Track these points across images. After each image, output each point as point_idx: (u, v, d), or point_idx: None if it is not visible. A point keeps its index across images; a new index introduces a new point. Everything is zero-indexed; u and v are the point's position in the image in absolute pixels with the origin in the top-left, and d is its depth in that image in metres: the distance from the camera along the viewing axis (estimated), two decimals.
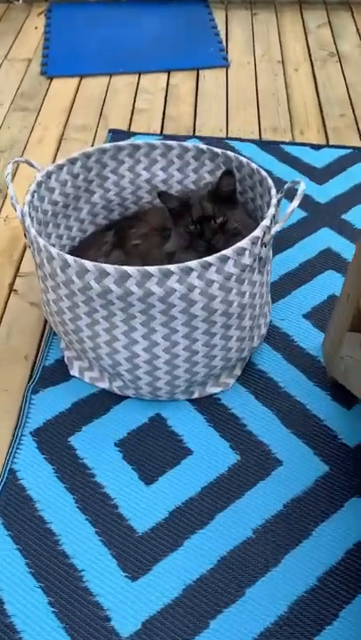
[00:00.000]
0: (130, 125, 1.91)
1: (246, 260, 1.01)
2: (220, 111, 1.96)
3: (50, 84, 2.09)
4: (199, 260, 0.97)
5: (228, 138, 1.83)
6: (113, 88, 2.07)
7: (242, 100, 2.00)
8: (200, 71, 2.14)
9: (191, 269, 0.97)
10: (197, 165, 1.31)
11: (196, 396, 1.18)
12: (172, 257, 1.22)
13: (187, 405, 1.18)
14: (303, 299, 1.37)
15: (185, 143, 1.29)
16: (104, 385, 1.19)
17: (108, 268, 0.96)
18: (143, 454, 1.10)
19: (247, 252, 1.01)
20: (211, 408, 1.18)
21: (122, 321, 1.03)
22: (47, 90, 2.06)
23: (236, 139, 1.82)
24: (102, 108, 1.99)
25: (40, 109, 1.98)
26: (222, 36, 2.33)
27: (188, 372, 1.11)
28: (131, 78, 2.12)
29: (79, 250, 1.30)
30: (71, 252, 1.26)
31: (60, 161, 1.25)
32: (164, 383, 1.12)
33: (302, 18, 2.42)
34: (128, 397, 1.20)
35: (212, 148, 1.27)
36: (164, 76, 2.12)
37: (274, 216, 1.06)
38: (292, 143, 1.81)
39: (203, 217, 1.16)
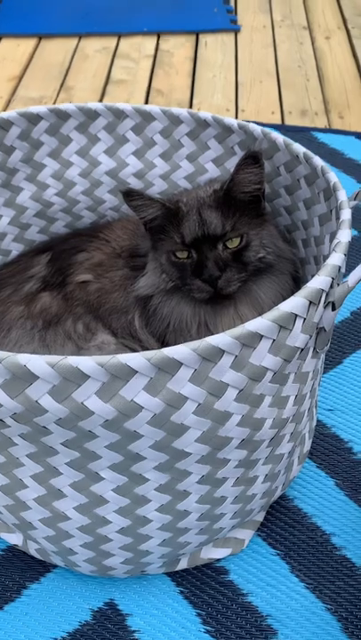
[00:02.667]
0: (101, 100, 1.37)
1: (297, 337, 0.47)
2: (227, 85, 1.42)
3: None
4: (194, 345, 0.43)
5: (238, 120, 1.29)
6: (81, 53, 1.53)
7: (257, 73, 1.46)
8: (200, 35, 1.61)
9: (177, 364, 0.43)
10: (196, 149, 0.76)
11: (183, 566, 0.64)
12: (147, 307, 0.68)
13: (161, 581, 0.64)
14: None
15: (174, 109, 0.74)
16: (14, 540, 0.64)
17: None
18: None
19: (300, 324, 0.47)
20: (198, 576, 0.64)
21: (29, 456, 0.49)
22: None
23: (249, 122, 1.28)
24: (65, 78, 1.45)
25: None
26: None
27: (166, 545, 0.57)
28: (106, 41, 1.58)
29: None
30: None
31: None
32: (119, 562, 0.58)
33: None
34: (58, 567, 0.66)
35: (222, 118, 0.72)
36: (151, 40, 1.58)
37: (348, 245, 0.52)
38: (329, 130, 1.28)
39: (203, 237, 0.63)
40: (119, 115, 0.75)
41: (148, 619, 0.62)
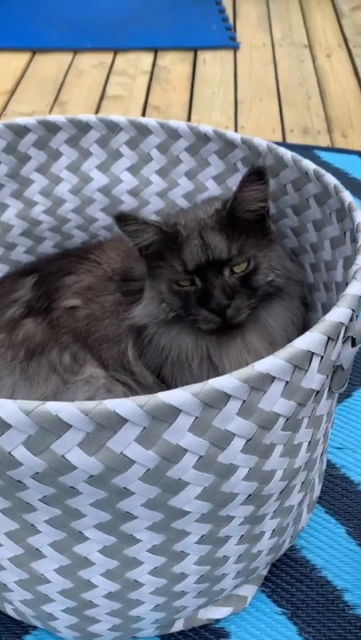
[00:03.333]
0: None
1: (313, 378, 0.41)
2: (225, 102, 1.38)
3: None
4: (195, 389, 0.36)
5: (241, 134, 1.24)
6: (76, 68, 1.49)
7: (257, 90, 1.42)
8: (198, 52, 1.57)
9: (175, 411, 0.36)
10: (195, 165, 0.71)
11: (178, 628, 0.57)
12: (142, 336, 0.62)
13: None
14: None
15: (172, 122, 0.69)
16: None
17: None
18: None
19: (317, 363, 0.41)
20: (195, 638, 0.57)
21: (3, 512, 0.42)
22: None
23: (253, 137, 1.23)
24: (59, 93, 1.40)
25: None
26: (229, 14, 1.77)
27: (160, 610, 0.50)
28: (102, 57, 1.53)
29: None
30: None
31: None
32: (106, 629, 0.51)
33: None
34: (38, 628, 0.58)
35: (224, 132, 0.67)
36: (148, 56, 1.54)
37: None
38: (332, 149, 1.23)
39: (207, 263, 0.57)
40: (113, 128, 0.70)
41: None
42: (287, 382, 0.39)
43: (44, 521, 0.42)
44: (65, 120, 0.69)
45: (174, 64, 1.52)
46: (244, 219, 0.58)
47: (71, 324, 0.64)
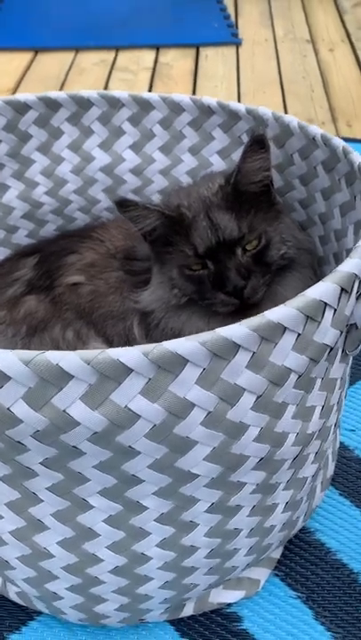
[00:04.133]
0: None
1: (326, 332, 0.39)
2: (229, 96, 1.37)
3: None
4: (203, 338, 0.34)
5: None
6: (78, 66, 1.49)
7: (260, 83, 1.42)
8: (201, 48, 1.57)
9: (182, 361, 0.34)
10: (199, 140, 0.69)
11: (188, 612, 0.55)
12: (148, 319, 0.60)
13: (163, 631, 0.55)
14: None
15: (175, 96, 0.68)
16: None
17: None
18: None
19: (330, 315, 0.39)
20: (206, 624, 0.54)
21: (2, 479, 0.40)
22: None
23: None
24: (60, 90, 1.39)
25: None
26: (230, 12, 1.77)
27: (169, 588, 0.47)
28: (104, 55, 1.53)
29: None
30: None
31: None
32: (113, 609, 0.48)
33: None
34: (43, 614, 0.56)
35: (228, 103, 0.66)
36: (150, 54, 1.54)
37: None
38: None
39: (218, 244, 0.55)
40: (114, 104, 0.69)
41: None
42: (299, 334, 0.37)
43: (46, 488, 0.40)
44: (66, 96, 0.68)
45: (176, 60, 1.51)
46: (250, 191, 0.57)
47: (74, 300, 0.62)
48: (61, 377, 0.34)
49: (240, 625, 0.55)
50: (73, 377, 0.34)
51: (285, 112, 1.31)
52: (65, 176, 0.73)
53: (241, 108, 0.64)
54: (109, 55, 1.53)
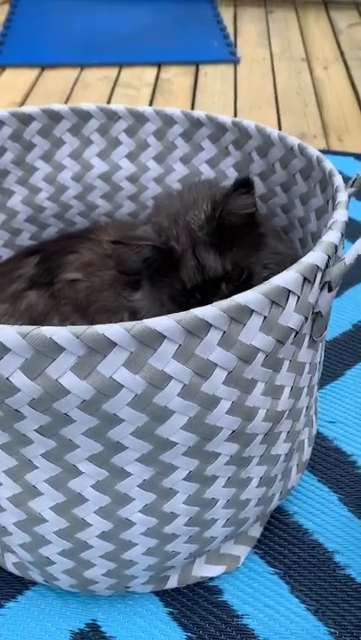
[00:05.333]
0: None
1: (290, 316, 0.44)
2: (226, 110, 1.43)
3: (1, 75, 1.58)
4: (178, 316, 0.39)
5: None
6: (83, 82, 1.56)
7: (256, 99, 1.48)
8: (200, 66, 1.64)
9: (159, 336, 0.39)
10: (189, 150, 0.75)
11: (172, 584, 0.59)
12: (137, 317, 0.65)
13: (148, 601, 0.59)
14: None
15: (167, 109, 0.73)
16: None
17: None
18: None
19: (293, 302, 0.44)
20: (189, 596, 0.59)
21: (2, 447, 0.45)
22: None
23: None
24: (65, 104, 1.46)
25: None
26: (230, 31, 1.84)
27: (152, 554, 0.52)
28: (107, 71, 1.60)
29: None
30: None
31: None
32: (101, 574, 0.53)
33: (329, 17, 1.95)
34: (38, 583, 0.60)
35: (216, 116, 0.71)
36: (152, 70, 1.61)
37: (345, 225, 0.49)
38: (328, 151, 1.28)
39: (204, 282, 0.59)
40: (112, 116, 0.74)
41: (128, 635, 0.56)
42: (265, 317, 0.42)
43: (41, 455, 0.45)
44: (67, 109, 0.74)
45: (177, 76, 1.58)
46: (235, 224, 0.60)
47: (72, 295, 0.67)
48: (54, 349, 0.38)
49: (220, 597, 0.60)
50: (64, 349, 0.38)
51: (279, 127, 1.38)
52: (66, 182, 0.78)
53: (227, 120, 0.69)
54: (113, 71, 1.60)
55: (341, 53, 1.71)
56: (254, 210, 0.61)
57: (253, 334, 0.42)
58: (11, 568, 0.59)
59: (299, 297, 0.44)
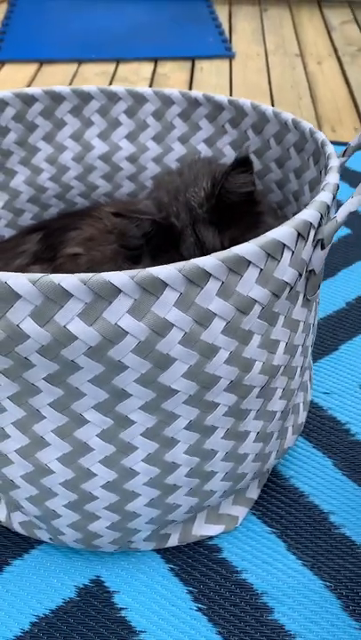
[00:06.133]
0: None
1: (285, 270, 0.46)
2: None
3: (0, 70, 1.60)
4: (179, 265, 0.42)
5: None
6: (81, 77, 1.59)
7: (251, 93, 1.51)
8: (196, 61, 1.67)
9: (162, 284, 0.42)
10: (187, 129, 0.78)
11: (173, 542, 0.61)
12: None
13: (150, 558, 0.61)
14: (359, 358, 0.82)
15: (166, 90, 0.76)
16: None
17: None
18: None
19: (288, 256, 0.46)
20: (189, 553, 0.61)
21: (11, 398, 0.47)
22: None
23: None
24: None
25: None
26: (225, 28, 1.87)
27: (155, 506, 0.54)
28: (105, 67, 1.63)
29: None
30: None
31: None
32: (105, 527, 0.55)
33: (322, 14, 1.98)
34: (44, 543, 0.62)
35: (213, 95, 0.74)
36: (148, 65, 1.64)
37: (337, 187, 0.52)
38: None
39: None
40: (112, 97, 0.77)
41: (136, 596, 0.58)
42: (261, 270, 0.45)
43: (48, 404, 0.47)
44: (69, 91, 0.76)
45: (173, 72, 1.61)
46: (234, 202, 0.61)
47: (73, 269, 0.69)
48: (62, 296, 0.41)
49: (220, 554, 0.62)
50: (72, 296, 0.41)
51: None
52: (67, 163, 0.81)
53: (224, 99, 0.72)
54: (110, 67, 1.63)
55: (335, 49, 1.75)
56: (253, 188, 0.63)
57: (250, 286, 0.44)
58: (17, 528, 0.61)
59: (293, 252, 0.46)
